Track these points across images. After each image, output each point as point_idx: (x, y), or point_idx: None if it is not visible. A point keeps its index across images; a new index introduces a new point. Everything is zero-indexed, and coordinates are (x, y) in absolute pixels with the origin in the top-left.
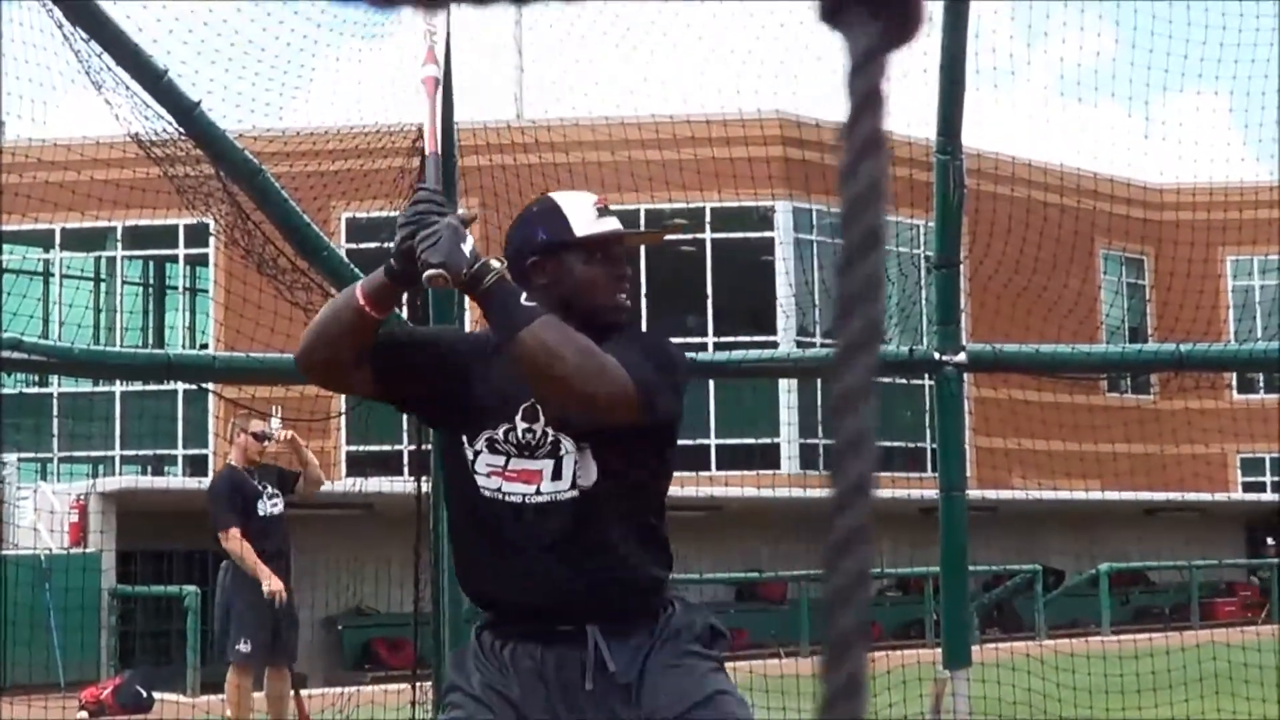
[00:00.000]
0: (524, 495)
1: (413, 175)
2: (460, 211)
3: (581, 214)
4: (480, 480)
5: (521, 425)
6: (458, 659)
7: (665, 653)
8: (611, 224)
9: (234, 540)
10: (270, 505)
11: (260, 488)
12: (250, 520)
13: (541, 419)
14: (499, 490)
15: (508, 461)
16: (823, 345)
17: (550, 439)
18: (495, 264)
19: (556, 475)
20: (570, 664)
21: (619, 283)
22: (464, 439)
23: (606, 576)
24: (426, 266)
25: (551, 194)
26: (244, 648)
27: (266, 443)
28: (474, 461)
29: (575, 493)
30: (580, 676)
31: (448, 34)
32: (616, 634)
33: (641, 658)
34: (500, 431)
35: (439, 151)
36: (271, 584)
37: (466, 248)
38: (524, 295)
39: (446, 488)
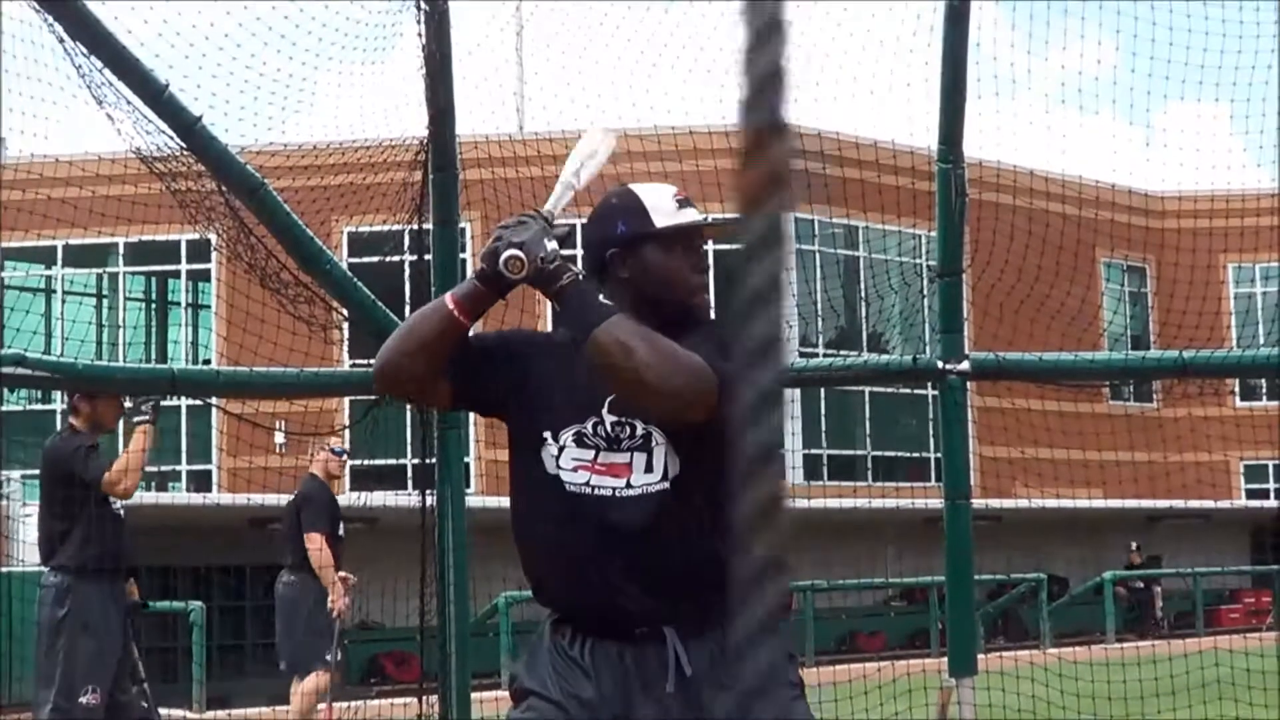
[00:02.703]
0: (614, 489)
1: (414, 188)
2: (556, 226)
3: (661, 206)
4: (566, 475)
5: (610, 418)
6: (530, 660)
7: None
8: (691, 215)
9: (316, 545)
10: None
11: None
12: (333, 536)
13: (629, 411)
14: (587, 484)
15: (597, 455)
16: (825, 355)
17: (640, 431)
18: (575, 266)
19: (649, 468)
20: (650, 662)
21: (699, 274)
22: (547, 436)
23: (691, 570)
24: (508, 246)
25: (631, 185)
26: (333, 657)
27: (343, 457)
28: (559, 457)
29: (667, 484)
30: (662, 676)
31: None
32: (693, 634)
33: (716, 667)
34: (589, 425)
35: (554, 211)
36: (339, 601)
37: (550, 243)
38: (601, 295)
39: (519, 489)
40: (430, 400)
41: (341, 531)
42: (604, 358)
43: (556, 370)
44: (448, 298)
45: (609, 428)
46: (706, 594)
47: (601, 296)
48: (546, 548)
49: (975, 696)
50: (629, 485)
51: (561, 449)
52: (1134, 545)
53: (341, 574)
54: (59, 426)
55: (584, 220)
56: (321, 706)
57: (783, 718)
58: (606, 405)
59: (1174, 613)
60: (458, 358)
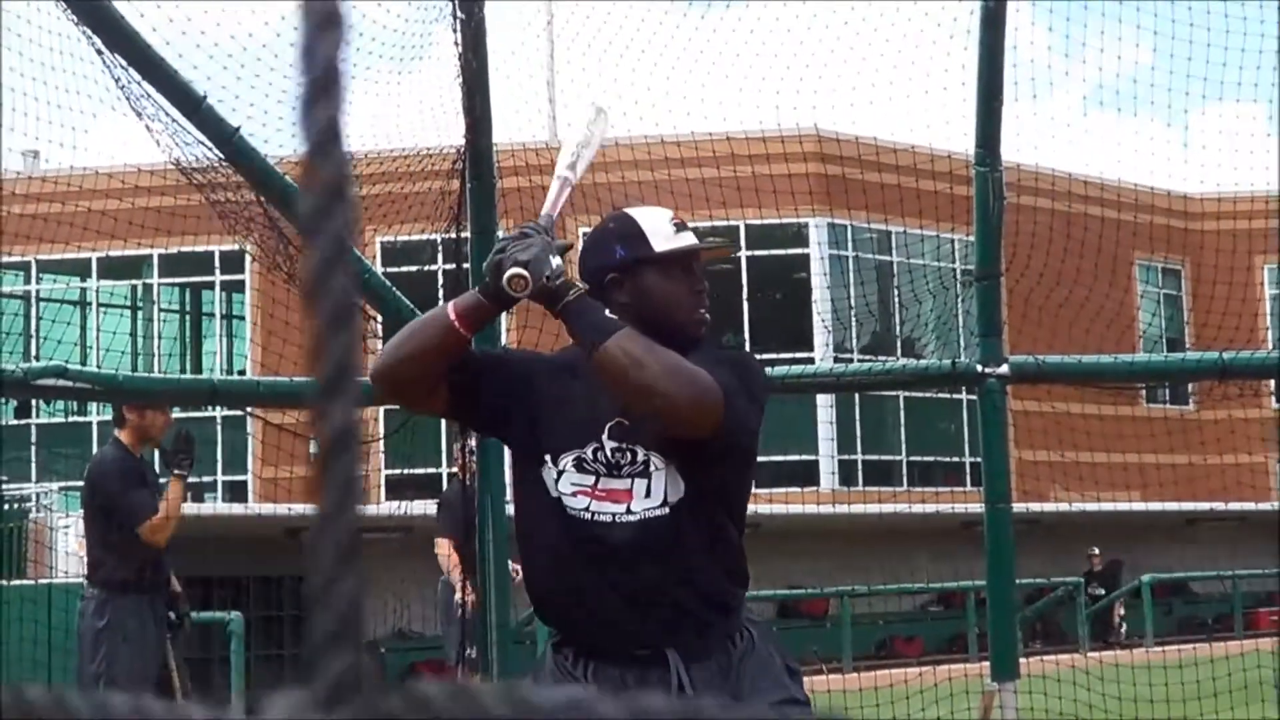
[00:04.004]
0: (614, 515)
1: (452, 197)
2: (558, 241)
3: (659, 230)
4: (566, 500)
5: (610, 444)
6: (533, 680)
7: (753, 691)
8: (689, 239)
9: (443, 550)
10: None
11: None
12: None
13: (629, 437)
14: (588, 509)
15: (597, 481)
16: (860, 360)
17: (640, 457)
18: (579, 282)
19: (648, 494)
20: (652, 685)
21: (698, 297)
22: (547, 458)
23: (692, 595)
24: (513, 263)
25: (627, 210)
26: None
27: None
28: (558, 481)
29: (666, 510)
30: None
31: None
32: (694, 657)
33: (718, 690)
34: (589, 451)
35: (554, 215)
36: (466, 594)
37: (554, 260)
38: (606, 310)
39: (522, 509)
40: (426, 407)
41: None
42: (613, 371)
43: (558, 394)
44: (450, 307)
45: (609, 454)
46: (708, 617)
47: (606, 311)
48: (547, 569)
49: (1017, 701)
50: (629, 511)
51: (561, 473)
52: (1094, 550)
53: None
54: (95, 438)
55: (582, 243)
56: None
57: None
58: (607, 431)
59: (1212, 615)
60: (458, 368)
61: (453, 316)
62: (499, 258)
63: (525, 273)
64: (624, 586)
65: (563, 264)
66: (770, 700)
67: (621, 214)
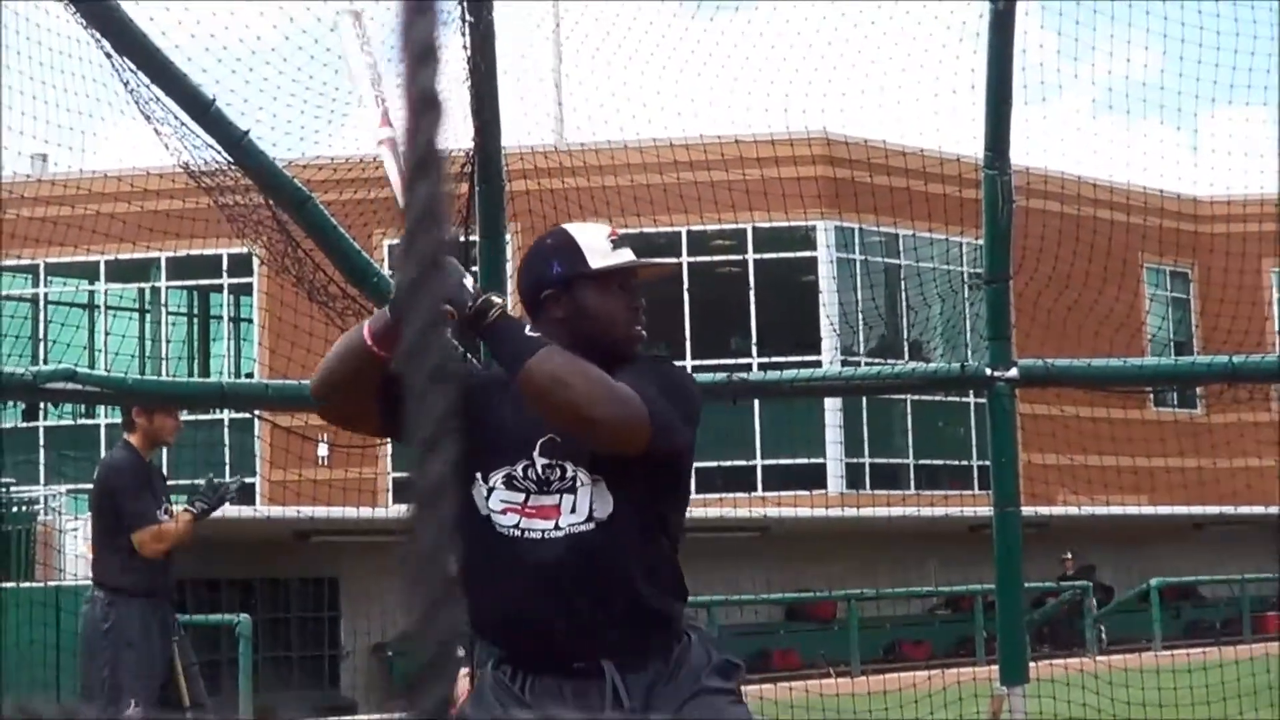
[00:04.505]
0: (543, 531)
1: (460, 201)
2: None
3: (596, 246)
4: (495, 517)
5: (541, 461)
6: (475, 699)
7: (682, 687)
8: (625, 255)
9: None
10: None
11: None
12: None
13: (559, 454)
14: (517, 526)
15: (527, 498)
16: (868, 364)
17: (569, 473)
18: (496, 299)
19: (573, 509)
20: (589, 695)
21: (634, 314)
22: (477, 475)
23: (623, 610)
24: None
25: (565, 226)
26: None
27: None
28: (488, 498)
29: (592, 525)
30: (600, 708)
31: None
32: (631, 668)
33: (655, 693)
34: (519, 468)
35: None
36: None
37: (468, 283)
38: (528, 327)
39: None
40: (361, 427)
41: None
42: (537, 389)
43: (489, 410)
44: (365, 329)
45: (540, 470)
46: (642, 630)
47: (529, 328)
48: (480, 588)
49: (1026, 705)
50: (557, 527)
51: (491, 490)
52: (1068, 554)
53: None
54: (103, 442)
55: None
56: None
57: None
58: (538, 448)
59: (1220, 619)
60: (387, 386)
61: (367, 338)
62: None
63: (449, 308)
64: (554, 602)
65: (477, 285)
66: (686, 697)
67: (559, 230)
